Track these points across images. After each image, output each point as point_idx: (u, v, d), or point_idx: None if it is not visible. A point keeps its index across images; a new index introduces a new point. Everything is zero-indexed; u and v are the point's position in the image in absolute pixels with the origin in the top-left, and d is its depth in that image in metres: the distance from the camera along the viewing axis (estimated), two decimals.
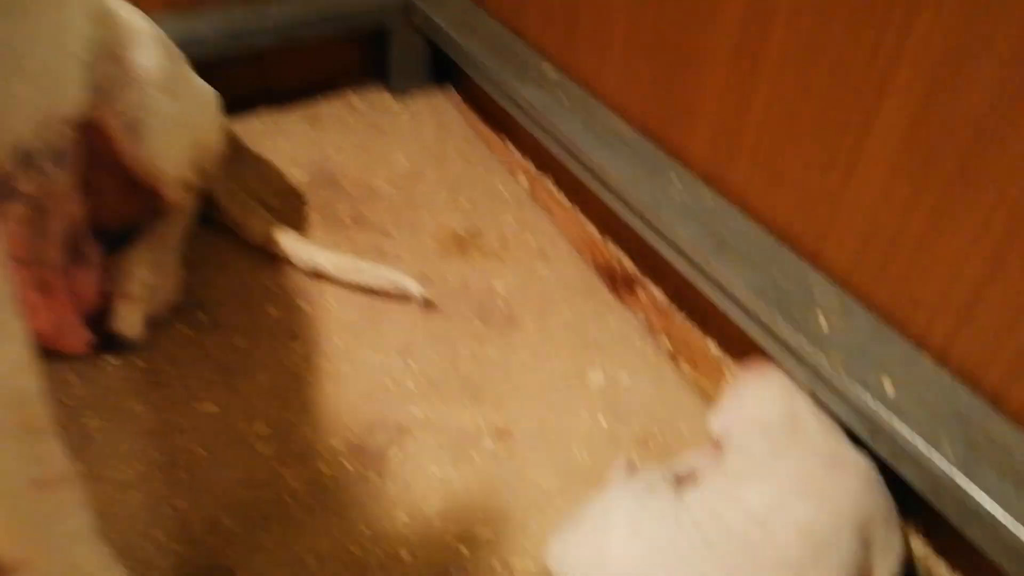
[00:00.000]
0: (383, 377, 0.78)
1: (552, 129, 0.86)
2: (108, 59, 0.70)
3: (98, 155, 0.76)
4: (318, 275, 0.87)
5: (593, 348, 0.82)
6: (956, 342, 0.56)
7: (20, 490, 0.44)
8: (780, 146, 0.66)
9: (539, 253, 0.93)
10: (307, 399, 0.75)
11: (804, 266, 0.65)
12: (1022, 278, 0.51)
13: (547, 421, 0.75)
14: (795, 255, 0.66)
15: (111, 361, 0.77)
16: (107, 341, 0.78)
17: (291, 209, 0.97)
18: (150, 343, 0.79)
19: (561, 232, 0.96)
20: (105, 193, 0.79)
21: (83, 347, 0.76)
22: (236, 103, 1.11)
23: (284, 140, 1.08)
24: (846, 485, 0.56)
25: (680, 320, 0.84)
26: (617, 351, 0.81)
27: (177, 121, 0.74)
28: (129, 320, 0.78)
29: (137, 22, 0.74)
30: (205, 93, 0.82)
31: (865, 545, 0.54)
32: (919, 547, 0.62)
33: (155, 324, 0.80)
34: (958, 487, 0.50)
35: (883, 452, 0.56)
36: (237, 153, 1.05)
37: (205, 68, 0.86)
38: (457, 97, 1.21)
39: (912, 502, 0.59)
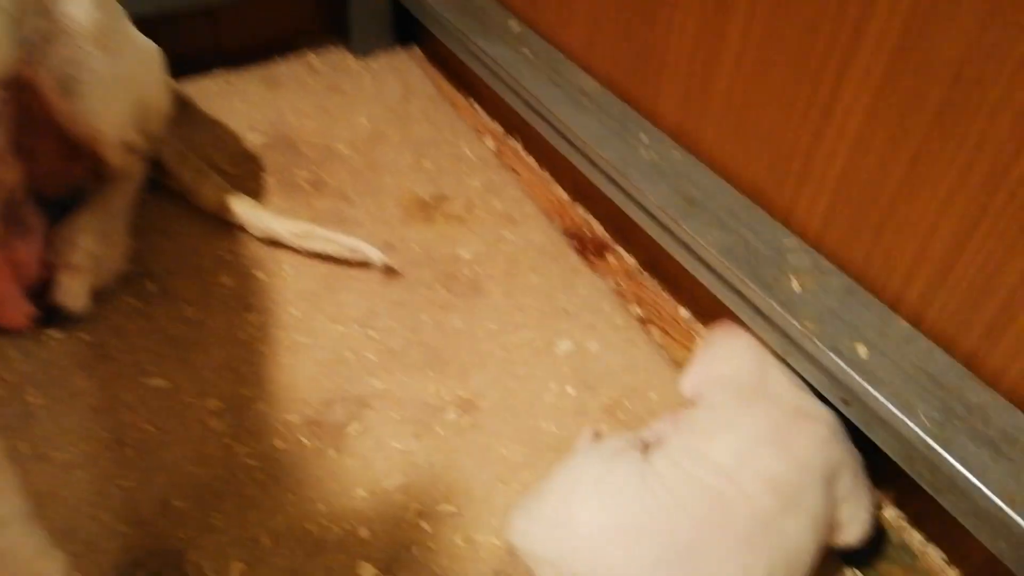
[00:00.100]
0: (342, 348, 0.75)
1: (517, 87, 0.83)
2: (36, 12, 0.65)
3: (33, 116, 0.71)
4: (274, 243, 0.83)
5: (561, 316, 0.79)
6: (932, 304, 0.54)
7: None
8: (751, 100, 0.63)
9: (506, 218, 0.90)
10: (262, 372, 0.72)
11: (776, 226, 0.63)
12: (1001, 235, 0.49)
13: (513, 392, 0.72)
14: (767, 215, 0.64)
15: (54, 335, 0.73)
16: (50, 314, 0.74)
17: (246, 174, 0.92)
18: (95, 315, 0.75)
19: (529, 196, 0.93)
20: (42, 157, 0.74)
21: (25, 321, 0.72)
22: (188, 63, 1.05)
23: (239, 102, 1.03)
24: (813, 436, 0.55)
25: (651, 286, 0.81)
26: (586, 318, 0.79)
27: (115, 78, 0.69)
28: (73, 292, 0.74)
29: None
30: (147, 49, 0.77)
31: (832, 495, 0.54)
32: (893, 517, 0.60)
33: (101, 295, 0.76)
34: (933, 453, 0.48)
35: (856, 419, 0.54)
36: (189, 115, 1.00)
37: (151, 25, 0.81)
38: (421, 57, 1.16)
39: (886, 470, 0.57)
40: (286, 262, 0.83)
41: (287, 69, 1.11)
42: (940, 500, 0.49)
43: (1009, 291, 0.49)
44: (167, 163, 0.86)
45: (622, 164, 0.70)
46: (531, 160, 0.97)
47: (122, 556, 0.59)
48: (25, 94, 0.68)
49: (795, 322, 0.56)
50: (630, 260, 0.84)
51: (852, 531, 0.55)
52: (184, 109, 1.00)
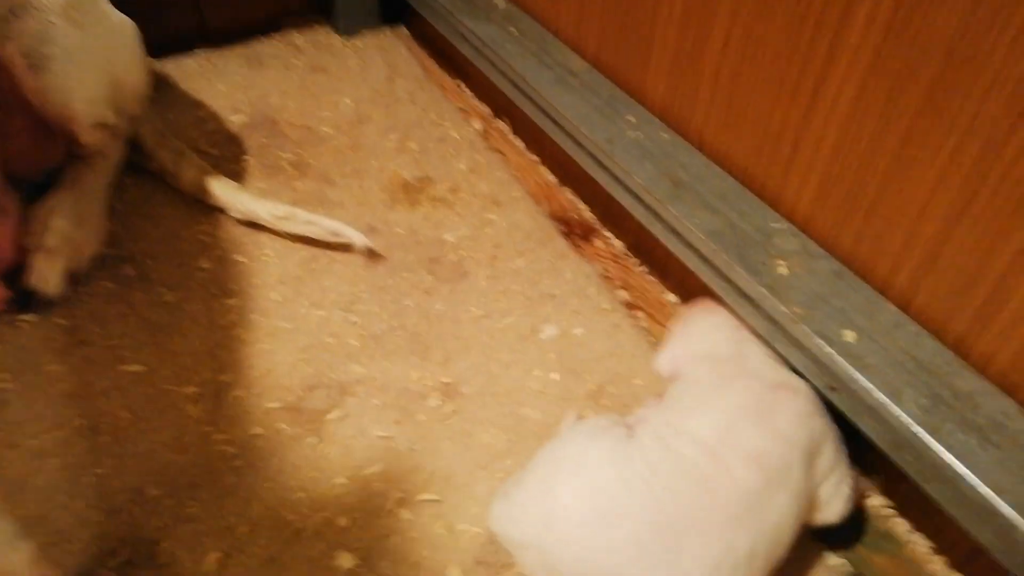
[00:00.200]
0: (324, 334, 0.73)
1: (503, 67, 0.81)
2: None
3: (2, 94, 0.69)
4: (255, 225, 0.82)
5: (547, 300, 0.78)
6: (921, 288, 0.53)
7: None
8: (740, 80, 0.61)
9: (492, 201, 0.88)
10: (241, 358, 0.71)
11: (764, 208, 0.61)
12: (992, 218, 0.47)
13: (497, 377, 0.71)
14: (755, 197, 0.62)
15: (28, 319, 0.72)
16: (24, 298, 0.72)
17: (228, 155, 0.91)
18: (71, 299, 0.74)
19: (516, 179, 0.91)
20: (14, 137, 0.72)
21: None
22: (169, 42, 1.03)
23: (221, 82, 1.01)
24: (795, 409, 0.54)
25: (638, 270, 0.80)
26: (572, 303, 0.77)
27: (86, 54, 0.67)
28: (47, 275, 0.72)
29: None
30: (121, 25, 0.75)
31: (814, 470, 0.53)
32: (879, 505, 0.59)
33: (77, 279, 0.75)
34: (919, 442, 0.47)
35: (843, 406, 0.53)
36: (169, 95, 0.98)
37: (131, 1, 0.79)
38: (408, 37, 1.14)
39: (871, 458, 0.56)
40: (267, 245, 0.81)
41: (271, 49, 1.08)
42: (926, 489, 0.48)
43: (999, 275, 0.48)
44: (146, 144, 0.85)
45: (608, 145, 0.68)
46: (518, 142, 0.95)
47: (95, 545, 0.58)
48: None
49: (782, 307, 0.54)
50: (617, 244, 0.83)
51: (834, 508, 0.54)
52: (164, 89, 0.98)
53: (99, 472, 0.62)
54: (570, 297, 0.78)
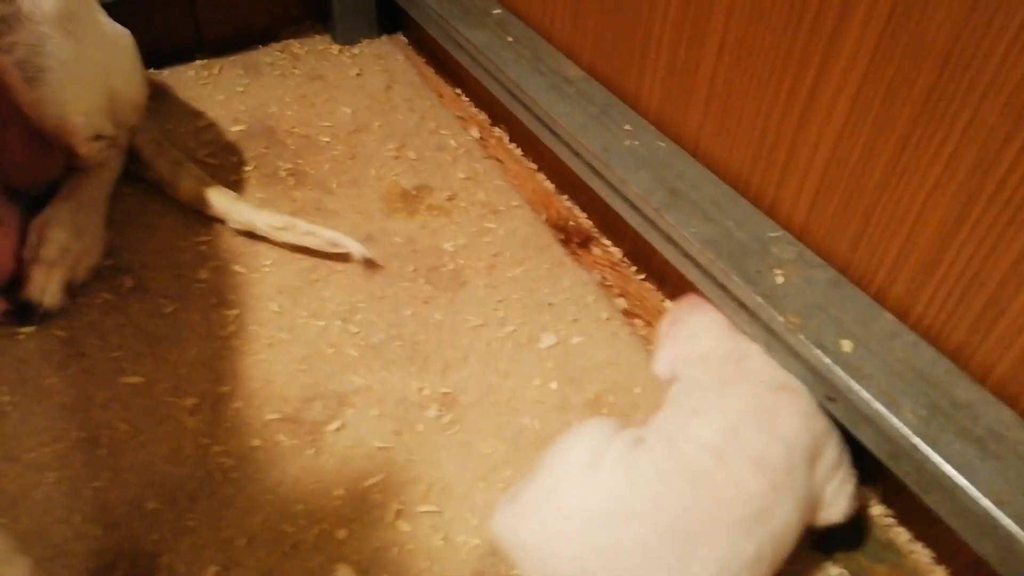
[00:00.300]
0: (322, 344, 0.73)
1: (499, 74, 0.81)
2: None
3: None
4: (253, 236, 0.82)
5: (545, 309, 0.78)
6: (918, 297, 0.53)
7: None
8: (735, 87, 0.61)
9: (490, 209, 0.88)
10: (240, 369, 0.71)
11: (761, 217, 0.61)
12: (989, 226, 0.47)
13: (495, 387, 0.71)
14: (751, 205, 0.62)
15: (26, 332, 0.72)
16: (22, 311, 0.72)
17: (226, 165, 0.91)
18: (69, 311, 0.74)
19: (514, 187, 0.91)
20: (11, 149, 0.72)
21: None
22: (167, 51, 1.03)
23: (219, 91, 1.01)
24: (797, 411, 0.54)
25: (637, 278, 0.80)
26: (570, 312, 0.77)
27: (82, 65, 0.67)
28: (46, 287, 0.73)
29: None
30: (117, 36, 0.75)
31: (817, 471, 0.53)
32: (879, 514, 0.59)
33: (75, 291, 0.75)
34: (918, 452, 0.47)
35: (841, 416, 0.52)
36: (167, 105, 0.98)
37: (127, 11, 0.79)
38: (406, 45, 1.14)
39: (871, 467, 0.56)
40: (266, 256, 0.81)
41: (269, 57, 1.08)
42: (925, 499, 0.48)
43: (998, 284, 0.48)
44: (144, 154, 0.85)
45: (604, 153, 0.68)
46: (516, 150, 0.95)
47: (93, 559, 0.57)
48: None
49: (779, 316, 0.54)
50: (615, 251, 0.82)
51: (838, 507, 0.54)
52: (162, 98, 0.99)
53: (97, 485, 0.62)
54: (568, 305, 0.78)
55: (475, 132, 0.98)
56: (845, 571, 0.59)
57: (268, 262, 0.80)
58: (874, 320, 0.54)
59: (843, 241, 0.57)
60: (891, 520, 0.59)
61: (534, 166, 0.92)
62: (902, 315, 0.54)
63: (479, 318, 0.76)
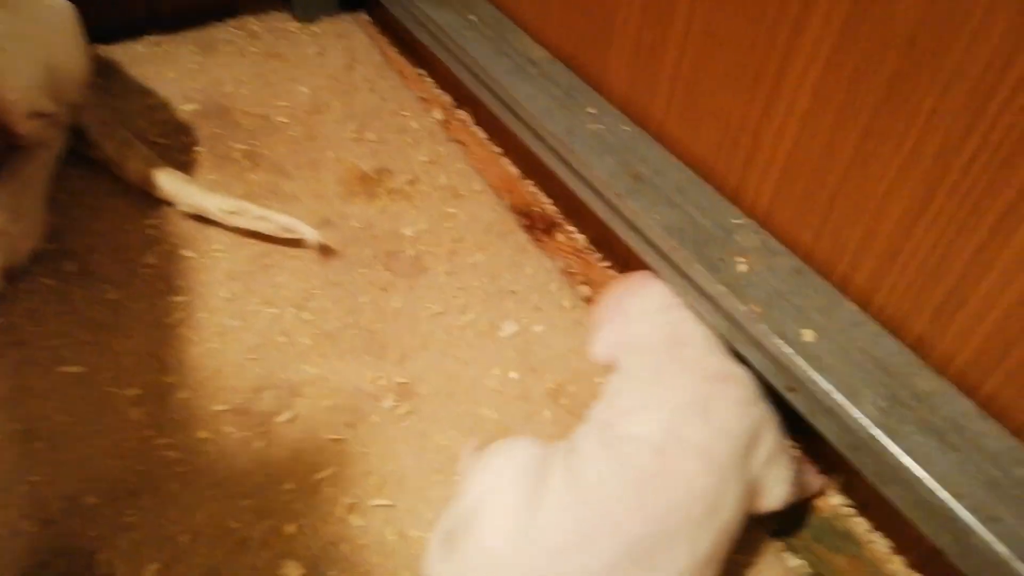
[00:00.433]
0: (274, 332, 0.71)
1: (462, 55, 0.78)
2: None
3: None
4: (204, 219, 0.78)
5: (507, 296, 0.76)
6: (880, 286, 0.52)
7: None
8: (700, 72, 0.60)
9: (452, 194, 0.86)
10: (187, 359, 0.68)
11: (724, 204, 0.60)
12: (951, 215, 0.46)
13: (454, 376, 0.69)
14: (715, 192, 0.61)
15: None
16: None
17: (177, 145, 0.87)
18: (7, 297, 0.70)
19: (477, 171, 0.89)
20: None
21: None
22: (118, 27, 0.99)
23: (172, 69, 0.97)
24: (735, 401, 0.53)
25: (601, 265, 0.78)
26: (532, 299, 0.76)
27: (18, 39, 0.64)
28: None
29: None
30: (57, 8, 0.71)
31: (756, 458, 0.52)
32: (838, 504, 0.58)
33: (14, 275, 0.71)
34: (878, 444, 0.46)
35: (801, 406, 0.52)
36: (116, 82, 0.94)
37: None
38: (368, 23, 1.10)
39: (831, 458, 0.55)
40: (217, 240, 0.78)
41: (224, 34, 1.05)
42: (884, 491, 0.47)
43: (959, 273, 0.47)
44: (89, 133, 0.81)
45: (568, 137, 0.66)
46: (480, 133, 0.93)
47: (27, 557, 0.55)
48: None
49: (741, 305, 0.53)
50: (580, 238, 0.81)
51: (776, 493, 0.53)
52: (111, 75, 0.94)
53: (33, 480, 0.59)
54: (531, 293, 0.76)
55: (438, 114, 0.96)
56: (804, 562, 0.58)
57: (219, 247, 0.77)
58: (836, 309, 0.53)
59: (807, 229, 0.56)
60: (850, 510, 0.58)
61: (499, 150, 0.90)
62: (864, 304, 0.53)
63: (439, 305, 0.74)
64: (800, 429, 0.55)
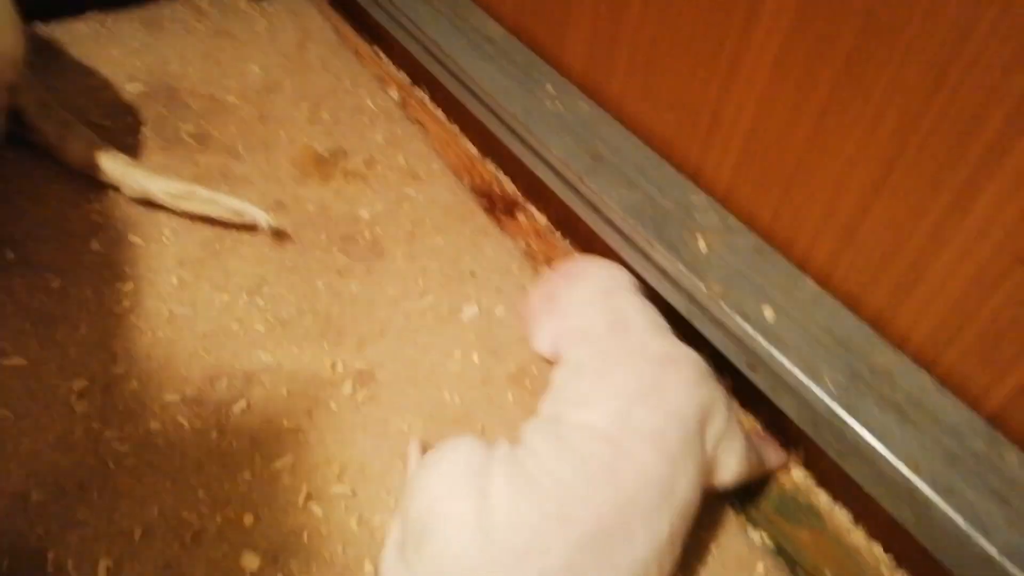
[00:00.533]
0: (227, 319, 0.69)
1: (417, 32, 0.76)
2: None
3: None
4: (152, 204, 0.76)
5: (467, 279, 0.75)
6: (839, 263, 0.52)
7: None
8: (658, 49, 0.59)
9: (410, 175, 0.84)
10: (136, 348, 0.65)
11: (684, 183, 0.59)
12: (909, 191, 0.46)
13: (414, 361, 0.68)
14: (675, 171, 0.60)
15: None
16: None
17: (122, 127, 0.84)
18: None
19: (436, 151, 0.87)
20: None
21: None
22: (56, 3, 0.94)
23: (116, 47, 0.93)
24: (684, 382, 0.53)
25: (563, 246, 0.77)
26: (493, 282, 0.75)
27: None
28: None
29: None
30: None
31: (708, 437, 0.52)
32: (800, 478, 0.59)
33: None
34: (838, 420, 0.46)
35: (762, 384, 0.52)
36: (57, 62, 0.90)
37: None
38: (322, 1, 1.07)
39: (793, 432, 0.56)
40: (166, 225, 0.75)
41: (170, 11, 1.01)
42: (845, 466, 0.48)
43: (917, 249, 0.47)
44: (28, 115, 0.77)
45: (526, 116, 0.65)
46: (439, 112, 0.91)
47: None
48: None
49: (701, 284, 0.53)
50: (541, 219, 0.80)
51: (730, 468, 0.53)
52: (51, 55, 0.90)
53: None
54: (492, 275, 0.75)
55: (395, 93, 0.93)
56: (766, 535, 0.59)
57: (168, 232, 0.75)
58: (796, 287, 0.53)
59: (766, 206, 0.55)
60: (812, 483, 0.59)
61: (457, 129, 0.89)
62: (823, 281, 0.53)
63: (397, 289, 0.73)
64: (762, 404, 0.55)
